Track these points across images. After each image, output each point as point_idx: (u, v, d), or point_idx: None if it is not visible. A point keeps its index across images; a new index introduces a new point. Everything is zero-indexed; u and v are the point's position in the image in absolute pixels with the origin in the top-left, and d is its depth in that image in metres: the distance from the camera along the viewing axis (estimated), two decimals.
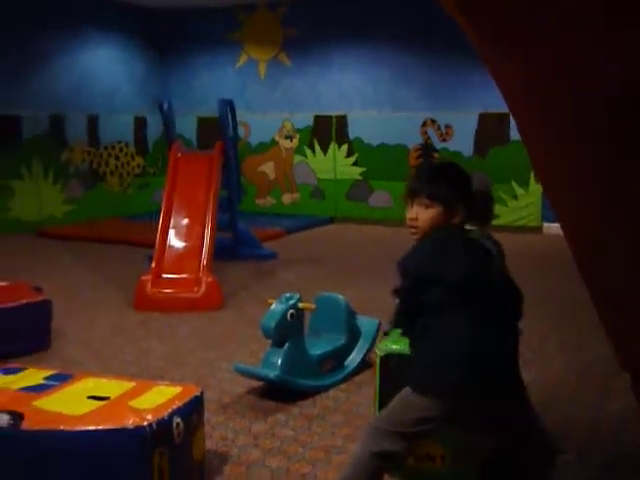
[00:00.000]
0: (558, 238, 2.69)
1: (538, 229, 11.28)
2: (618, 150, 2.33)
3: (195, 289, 6.81)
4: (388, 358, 3.38)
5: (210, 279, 6.85)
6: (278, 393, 4.47)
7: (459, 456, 3.24)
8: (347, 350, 4.92)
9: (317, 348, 4.74)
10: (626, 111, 2.21)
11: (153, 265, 7.02)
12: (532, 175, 10.86)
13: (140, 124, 13.35)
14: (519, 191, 11.43)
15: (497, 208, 11.35)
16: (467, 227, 2.93)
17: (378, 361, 3.44)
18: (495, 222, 9.55)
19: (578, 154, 2.54)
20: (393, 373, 3.27)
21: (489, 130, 11.54)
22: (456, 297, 2.70)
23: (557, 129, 2.55)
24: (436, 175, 2.96)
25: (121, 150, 12.98)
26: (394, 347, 3.37)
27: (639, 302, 2.63)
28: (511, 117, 2.90)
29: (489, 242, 2.87)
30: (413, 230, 2.87)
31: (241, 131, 12.31)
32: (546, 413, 4.19)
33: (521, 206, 11.45)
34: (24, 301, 5.47)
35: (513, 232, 10.78)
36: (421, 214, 2.82)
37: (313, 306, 4.78)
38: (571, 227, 2.77)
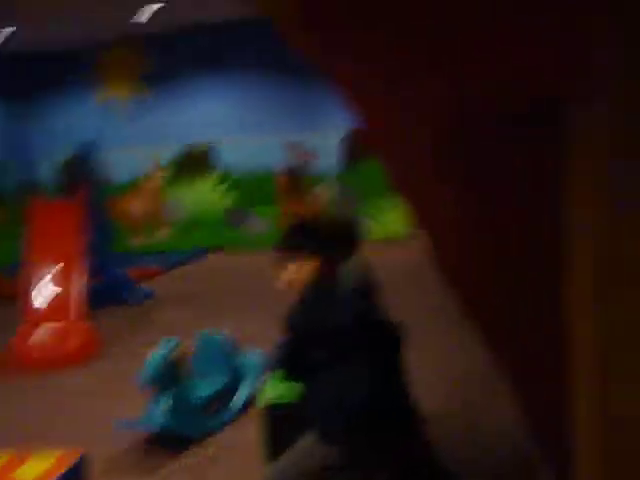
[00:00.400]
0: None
1: (409, 240, 11.54)
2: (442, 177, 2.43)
3: (69, 341, 6.54)
4: (271, 409, 3.30)
5: (84, 328, 6.61)
6: (167, 442, 4.34)
7: None
8: (232, 389, 4.84)
9: (201, 390, 4.64)
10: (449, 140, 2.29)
11: (21, 323, 6.71)
12: None
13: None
14: (388, 204, 11.64)
15: (369, 223, 11.61)
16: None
17: (261, 412, 3.37)
18: (369, 236, 9.44)
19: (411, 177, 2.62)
20: (278, 423, 3.19)
21: (353, 146, 11.74)
22: (344, 345, 2.71)
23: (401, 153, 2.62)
24: (309, 230, 2.99)
25: None
26: (275, 395, 3.26)
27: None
28: None
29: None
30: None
31: (106, 171, 11.99)
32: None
33: (392, 219, 11.67)
34: None
35: (386, 244, 10.98)
36: (301, 269, 2.81)
37: (190, 350, 4.68)
38: (439, 251, 2.84)
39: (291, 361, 2.91)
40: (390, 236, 11.56)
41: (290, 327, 2.84)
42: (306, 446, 2.75)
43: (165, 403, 4.30)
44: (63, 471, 3.18)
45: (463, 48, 1.84)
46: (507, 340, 2.79)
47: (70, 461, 3.28)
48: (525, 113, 2.06)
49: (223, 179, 12.57)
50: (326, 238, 2.94)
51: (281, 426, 3.03)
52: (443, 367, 5.40)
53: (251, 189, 12.37)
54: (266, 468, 2.99)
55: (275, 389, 3.21)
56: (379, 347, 2.79)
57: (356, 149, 11.68)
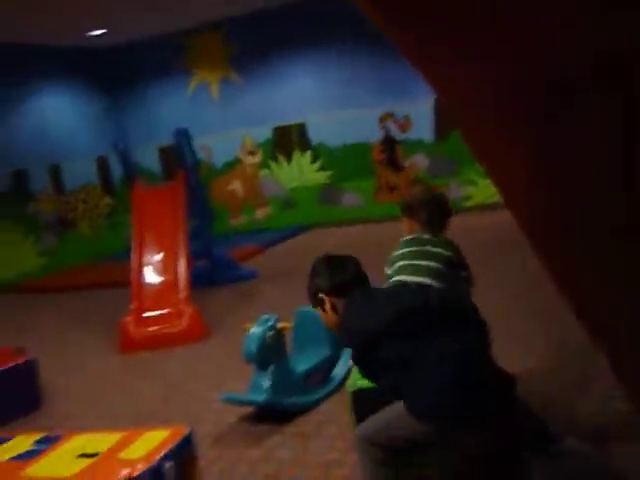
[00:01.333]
0: None
1: None
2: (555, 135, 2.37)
3: (178, 323, 6.80)
4: (358, 393, 3.39)
5: (191, 310, 6.85)
6: (271, 416, 4.48)
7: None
8: (333, 361, 4.94)
9: (302, 364, 4.76)
10: (563, 95, 2.24)
11: (132, 305, 7.01)
12: None
13: (103, 164, 13.31)
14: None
15: (468, 189, 11.46)
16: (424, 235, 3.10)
17: (349, 397, 3.46)
18: (468, 203, 9.58)
19: (516, 139, 2.57)
20: (366, 407, 3.21)
21: (447, 113, 11.58)
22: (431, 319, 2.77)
23: (495, 115, 2.58)
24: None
25: (88, 193, 12.94)
26: (362, 383, 3.32)
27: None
28: None
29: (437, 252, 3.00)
30: None
31: (202, 155, 12.31)
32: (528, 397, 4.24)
33: (490, 183, 11.48)
34: (8, 365, 5.45)
35: (486, 210, 10.84)
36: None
37: (290, 325, 4.80)
38: (516, 213, 2.80)
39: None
40: (491, 201, 11.37)
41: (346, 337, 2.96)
42: (397, 415, 2.79)
43: (267, 378, 4.44)
44: (172, 445, 3.33)
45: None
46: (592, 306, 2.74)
47: (177, 438, 3.43)
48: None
49: (317, 156, 12.66)
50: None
51: (368, 408, 3.07)
52: (540, 331, 5.32)
53: (346, 164, 12.41)
54: (357, 428, 3.06)
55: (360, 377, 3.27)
56: (462, 320, 2.80)
57: (449, 116, 11.50)
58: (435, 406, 2.70)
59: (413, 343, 2.73)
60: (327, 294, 3.01)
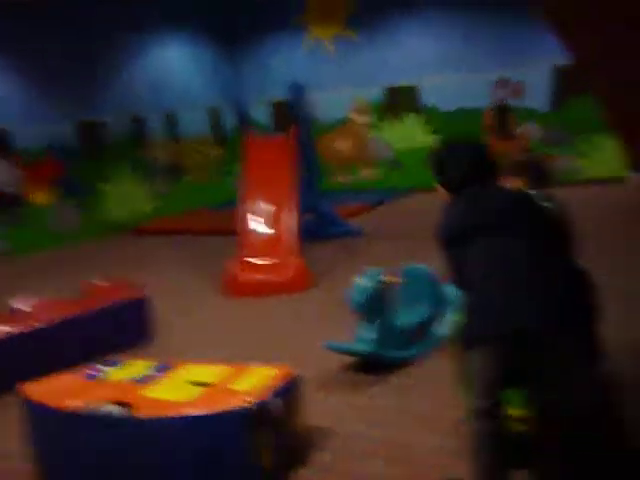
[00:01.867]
0: None
1: (622, 179, 10.94)
2: None
3: (284, 272, 6.96)
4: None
5: (298, 261, 6.99)
6: (372, 366, 4.58)
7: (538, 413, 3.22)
8: (435, 319, 4.97)
9: (407, 319, 4.82)
10: None
11: (239, 251, 7.21)
12: None
13: (216, 115, 13.60)
14: (601, 143, 11.09)
15: (580, 162, 11.12)
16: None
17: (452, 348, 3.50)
18: (579, 176, 9.34)
19: None
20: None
21: (564, 81, 11.21)
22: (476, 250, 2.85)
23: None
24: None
25: (201, 142, 13.28)
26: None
27: None
28: None
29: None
30: None
31: (314, 111, 12.37)
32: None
33: (604, 157, 11.12)
34: (125, 299, 5.75)
35: (598, 184, 10.54)
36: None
37: (398, 279, 4.85)
38: None
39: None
40: (603, 175, 11.03)
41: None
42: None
43: (372, 330, 4.53)
44: (280, 384, 3.46)
45: None
46: None
47: (286, 377, 3.56)
48: None
49: (429, 119, 12.53)
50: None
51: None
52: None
53: (457, 128, 12.23)
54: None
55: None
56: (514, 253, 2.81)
57: (567, 84, 11.15)
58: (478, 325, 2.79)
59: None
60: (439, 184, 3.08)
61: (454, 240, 2.93)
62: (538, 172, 3.62)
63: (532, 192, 3.50)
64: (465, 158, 2.99)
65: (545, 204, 3.14)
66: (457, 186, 2.99)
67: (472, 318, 2.82)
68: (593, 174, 11.05)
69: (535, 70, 11.42)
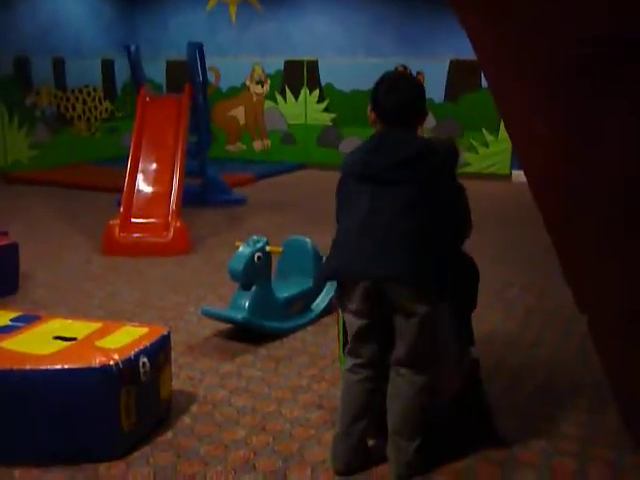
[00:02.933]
0: (526, 186, 2.74)
1: (507, 177, 11.34)
2: (584, 105, 2.38)
3: (164, 234, 6.80)
4: None
5: (179, 224, 6.85)
6: (246, 335, 4.53)
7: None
8: (314, 293, 4.97)
9: (285, 291, 4.79)
10: (596, 67, 2.25)
11: (121, 210, 6.99)
12: (502, 123, 10.87)
13: (108, 67, 13.09)
14: (489, 138, 11.46)
15: (468, 155, 11.43)
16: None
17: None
18: (465, 169, 9.68)
19: (548, 107, 2.57)
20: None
21: (460, 77, 11.49)
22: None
23: (528, 82, 2.57)
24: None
25: (89, 94, 12.74)
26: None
27: (594, 248, 2.69)
28: None
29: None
30: None
31: (211, 76, 12.17)
32: (510, 355, 4.32)
33: (491, 153, 11.49)
34: None
35: (483, 179, 10.86)
36: None
37: (280, 249, 4.82)
38: (534, 174, 2.81)
39: None
40: (488, 171, 11.39)
41: None
42: None
43: (248, 298, 4.47)
44: (149, 343, 3.36)
45: None
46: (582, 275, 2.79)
47: (156, 335, 3.46)
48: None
49: (324, 96, 12.53)
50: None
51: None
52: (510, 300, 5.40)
53: (352, 109, 12.30)
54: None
55: None
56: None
57: (463, 79, 11.41)
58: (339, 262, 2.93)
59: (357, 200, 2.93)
60: (372, 110, 3.09)
61: (349, 176, 2.99)
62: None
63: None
64: (407, 95, 3.00)
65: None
66: (388, 120, 3.00)
67: (332, 253, 2.98)
68: (479, 169, 11.37)
69: (434, 62, 11.60)
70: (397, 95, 2.97)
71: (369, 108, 3.08)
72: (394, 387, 2.99)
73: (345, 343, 3.20)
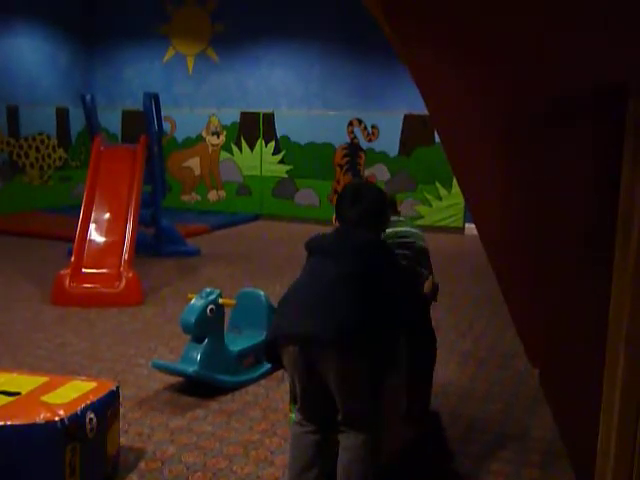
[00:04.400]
0: (478, 239, 2.78)
1: (460, 229, 11.49)
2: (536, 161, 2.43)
3: (115, 284, 6.70)
4: None
5: (131, 274, 6.76)
6: (197, 389, 4.46)
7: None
8: None
9: (237, 344, 4.74)
10: (547, 125, 2.30)
11: (72, 259, 6.89)
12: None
13: (62, 116, 13.01)
14: (443, 192, 11.62)
15: (421, 208, 11.57)
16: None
17: None
18: (419, 222, 9.80)
19: (497, 159, 2.62)
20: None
21: (414, 131, 11.70)
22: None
23: (478, 137, 2.63)
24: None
25: (42, 142, 12.62)
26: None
27: (543, 301, 2.72)
28: None
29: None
30: None
31: (167, 126, 12.21)
32: (462, 409, 4.32)
33: (444, 207, 11.64)
34: None
35: (436, 232, 10.98)
36: None
37: (233, 302, 4.78)
38: (484, 227, 2.85)
39: None
40: (442, 224, 11.52)
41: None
42: None
43: (200, 350, 4.41)
44: (96, 398, 3.28)
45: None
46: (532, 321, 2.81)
47: (103, 392, 3.38)
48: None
49: (280, 148, 12.62)
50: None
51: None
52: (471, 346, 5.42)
53: (307, 161, 12.40)
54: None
55: None
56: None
57: (416, 133, 11.61)
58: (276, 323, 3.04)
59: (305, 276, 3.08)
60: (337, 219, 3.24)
61: (308, 252, 3.16)
62: (391, 205, 3.78)
63: (411, 230, 3.67)
64: (371, 205, 3.17)
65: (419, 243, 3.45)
66: (346, 222, 3.17)
67: (274, 319, 3.09)
68: (432, 222, 11.50)
69: (389, 116, 11.79)
70: (360, 206, 3.14)
71: (334, 217, 3.24)
72: (341, 440, 3.01)
73: (294, 398, 3.17)
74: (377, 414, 3.00)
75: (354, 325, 2.83)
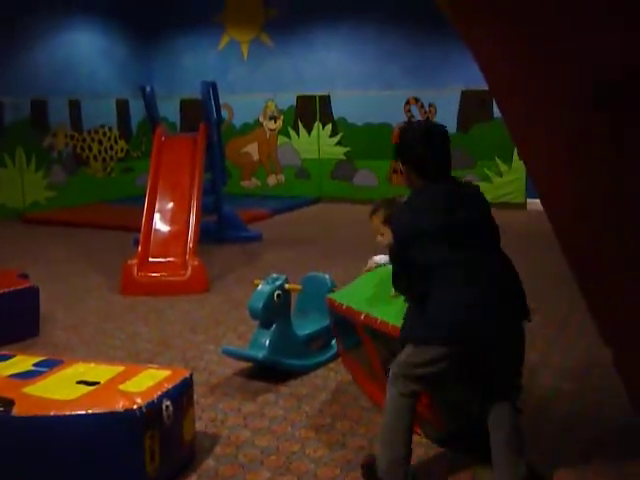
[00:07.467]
0: (542, 214, 2.75)
1: (522, 205, 11.33)
2: (603, 129, 2.39)
3: (181, 272, 6.82)
4: None
5: (196, 262, 6.87)
6: (267, 374, 4.52)
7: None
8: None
9: (304, 328, 4.78)
10: (614, 92, 2.26)
11: (139, 249, 7.03)
12: (516, 152, 10.88)
13: (123, 107, 13.27)
14: (503, 167, 11.47)
15: (481, 185, 11.43)
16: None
17: None
18: None
19: (562, 135, 2.58)
20: None
21: (472, 107, 11.55)
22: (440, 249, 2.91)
23: (541, 110, 2.59)
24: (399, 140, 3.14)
25: (104, 134, 12.90)
26: None
27: (620, 278, 2.68)
28: None
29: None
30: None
31: (224, 113, 12.29)
32: (531, 387, 4.28)
33: (505, 182, 11.50)
34: (10, 288, 5.47)
35: (497, 209, 10.81)
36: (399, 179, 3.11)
37: (299, 287, 4.82)
38: (552, 201, 2.81)
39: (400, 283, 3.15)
40: (503, 200, 11.37)
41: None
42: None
43: (268, 336, 4.47)
44: (171, 386, 3.36)
45: None
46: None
47: (178, 378, 3.46)
48: None
49: (337, 130, 12.61)
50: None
51: None
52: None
53: (365, 142, 12.37)
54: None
55: None
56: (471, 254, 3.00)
57: (474, 110, 11.46)
58: (461, 325, 2.89)
59: (450, 254, 2.89)
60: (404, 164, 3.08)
61: (420, 236, 2.94)
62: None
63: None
64: (443, 144, 3.04)
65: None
66: (433, 174, 2.99)
67: (436, 317, 2.91)
68: (493, 198, 11.37)
69: (445, 93, 11.67)
70: (440, 150, 3.04)
71: (403, 167, 3.07)
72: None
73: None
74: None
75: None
